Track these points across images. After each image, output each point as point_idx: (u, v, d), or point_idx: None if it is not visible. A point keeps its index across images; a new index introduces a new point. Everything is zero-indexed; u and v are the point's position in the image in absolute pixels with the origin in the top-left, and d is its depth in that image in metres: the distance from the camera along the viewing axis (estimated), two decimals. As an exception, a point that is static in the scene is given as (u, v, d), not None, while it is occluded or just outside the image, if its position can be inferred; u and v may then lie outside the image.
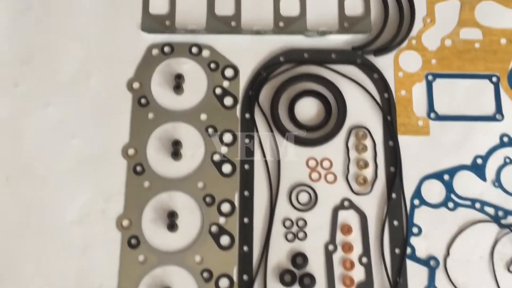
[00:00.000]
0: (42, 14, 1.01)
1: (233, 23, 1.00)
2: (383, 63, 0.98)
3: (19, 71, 0.97)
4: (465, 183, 0.93)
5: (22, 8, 1.02)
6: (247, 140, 0.94)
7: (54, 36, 1.00)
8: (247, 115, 0.95)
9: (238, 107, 0.96)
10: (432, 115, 0.97)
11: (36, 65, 0.98)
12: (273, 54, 0.98)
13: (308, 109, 0.96)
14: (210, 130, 0.94)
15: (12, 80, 0.97)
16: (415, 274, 0.88)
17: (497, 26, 1.00)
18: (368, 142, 0.95)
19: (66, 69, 0.98)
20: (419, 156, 0.94)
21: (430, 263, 0.89)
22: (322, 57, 0.98)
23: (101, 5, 1.01)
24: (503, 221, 0.91)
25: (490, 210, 0.92)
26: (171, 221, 0.88)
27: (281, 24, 1.00)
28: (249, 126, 0.94)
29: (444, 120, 0.96)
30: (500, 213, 0.92)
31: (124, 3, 1.01)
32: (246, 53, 0.98)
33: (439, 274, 0.88)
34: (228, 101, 0.96)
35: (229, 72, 0.97)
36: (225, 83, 0.96)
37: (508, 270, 0.88)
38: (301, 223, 0.90)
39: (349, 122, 0.95)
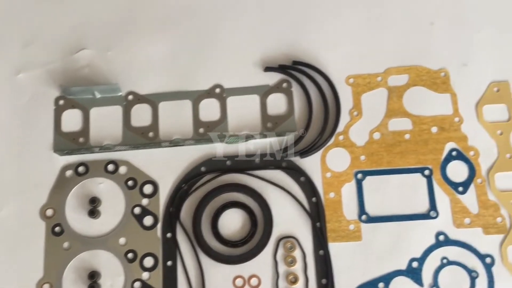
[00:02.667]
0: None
1: (150, 134, 0.97)
2: (310, 164, 0.96)
3: None
4: (402, 290, 0.93)
5: None
6: (169, 263, 0.92)
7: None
8: (169, 235, 0.93)
9: (159, 226, 0.93)
10: (364, 217, 0.94)
11: None
12: (193, 164, 0.96)
13: (232, 222, 0.93)
14: (130, 255, 0.92)
15: None
16: None
17: (427, 114, 0.98)
18: (297, 253, 0.93)
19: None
20: (352, 264, 0.91)
21: None
22: (245, 163, 0.95)
23: (12, 127, 0.98)
24: (443, 328, 0.90)
25: (429, 315, 0.91)
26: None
27: (201, 130, 0.98)
28: (171, 247, 0.92)
29: (376, 222, 0.93)
30: (440, 317, 0.91)
31: (36, 123, 0.98)
32: (165, 166, 0.96)
33: None
34: (148, 220, 0.93)
35: (148, 189, 0.95)
36: (144, 201, 0.94)
37: None
38: None
39: (276, 232, 0.92)
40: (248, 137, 0.96)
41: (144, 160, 0.96)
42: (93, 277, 0.88)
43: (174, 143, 0.97)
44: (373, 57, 1.01)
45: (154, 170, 0.96)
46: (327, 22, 1.03)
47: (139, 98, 0.99)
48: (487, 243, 0.92)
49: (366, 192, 0.95)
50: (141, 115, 0.98)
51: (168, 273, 0.90)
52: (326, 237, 0.92)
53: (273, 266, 0.92)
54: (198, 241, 0.92)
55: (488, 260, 0.92)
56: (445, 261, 0.92)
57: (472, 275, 0.91)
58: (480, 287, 0.89)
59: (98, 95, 0.99)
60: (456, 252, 0.91)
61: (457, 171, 0.95)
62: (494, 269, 0.90)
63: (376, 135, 0.98)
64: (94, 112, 0.99)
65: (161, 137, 0.97)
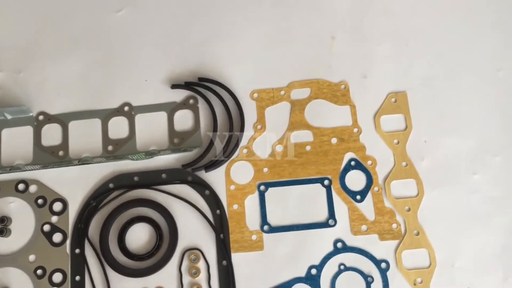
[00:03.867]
0: None
1: (60, 153, 1.01)
2: (215, 178, 1.00)
3: None
4: (301, 301, 0.97)
5: None
6: (77, 278, 0.96)
7: None
8: (77, 251, 0.96)
9: (68, 242, 0.97)
10: (266, 227, 0.98)
11: None
12: (102, 181, 1.00)
13: (139, 236, 0.97)
14: (39, 271, 0.95)
15: None
16: None
17: (328, 125, 1.02)
18: (201, 264, 0.97)
19: None
20: (254, 273, 0.96)
21: None
22: (153, 178, 1.00)
23: None
24: (338, 335, 0.95)
25: (325, 323, 0.96)
26: None
27: (110, 148, 1.02)
28: (79, 262, 0.96)
29: (277, 231, 0.98)
30: (336, 325, 0.95)
31: None
32: (75, 184, 0.99)
33: None
34: (57, 237, 0.97)
35: (57, 206, 0.98)
36: (54, 219, 0.98)
37: None
38: None
39: (182, 244, 0.97)
40: (156, 153, 1.01)
41: (55, 178, 1.00)
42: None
43: (83, 161, 1.01)
44: (277, 71, 1.06)
45: (64, 188, 0.99)
46: (232, 38, 1.07)
47: (50, 118, 1.03)
48: (383, 249, 0.96)
49: (269, 203, 0.99)
50: (51, 135, 1.02)
51: (76, 288, 0.98)
52: (229, 248, 0.97)
53: (178, 278, 0.96)
54: (105, 256, 0.96)
55: (383, 265, 0.97)
56: (342, 267, 0.97)
57: (368, 280, 0.96)
58: (376, 291, 0.98)
59: (8, 117, 1.03)
60: (353, 258, 0.96)
61: (356, 180, 1.00)
62: (389, 273, 0.95)
63: (279, 148, 1.02)
64: (5, 133, 1.02)
65: (70, 156, 1.01)
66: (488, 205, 0.98)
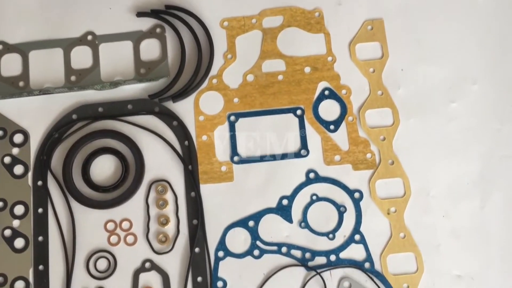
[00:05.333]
0: None
1: (21, 83, 0.97)
2: (183, 108, 0.97)
3: None
4: (271, 227, 0.93)
5: None
6: (40, 210, 0.93)
7: None
8: (40, 183, 0.94)
9: (30, 175, 0.94)
10: (236, 158, 0.96)
11: None
12: (65, 112, 0.96)
13: (104, 168, 0.95)
14: (0, 204, 0.93)
15: None
16: (221, 331, 0.91)
17: (301, 54, 0.99)
18: (169, 195, 0.95)
19: None
20: (223, 204, 0.94)
21: (235, 317, 0.91)
22: (118, 109, 0.97)
23: None
24: (310, 263, 0.91)
25: (297, 253, 0.92)
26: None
27: (73, 78, 0.98)
28: (42, 195, 0.93)
29: (248, 162, 0.95)
30: (307, 255, 0.92)
31: None
32: (37, 115, 0.96)
33: (246, 328, 0.91)
34: (18, 169, 0.94)
35: (18, 138, 0.95)
36: (15, 150, 0.95)
37: (316, 314, 0.91)
38: (100, 291, 0.92)
39: (149, 176, 0.94)
40: (121, 83, 0.97)
41: (15, 109, 0.96)
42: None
43: (45, 91, 0.97)
44: (248, -1, 1.04)
45: (25, 119, 0.96)
46: (200, -36, 1.06)
47: (9, 48, 0.98)
48: (356, 179, 0.95)
49: (239, 134, 0.97)
50: (11, 65, 0.98)
51: (38, 220, 0.92)
52: (198, 179, 0.94)
53: (145, 209, 0.93)
54: (68, 188, 0.93)
55: (356, 195, 0.95)
56: (314, 197, 0.95)
57: (341, 210, 0.94)
58: (348, 221, 0.93)
59: (-35, 47, 1.01)
60: (325, 188, 0.94)
61: (329, 110, 0.97)
62: (362, 203, 0.94)
63: (250, 77, 0.99)
64: (-37, 64, 1.01)
65: (31, 86, 0.97)
66: (465, 133, 0.96)
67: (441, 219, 0.92)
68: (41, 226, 0.92)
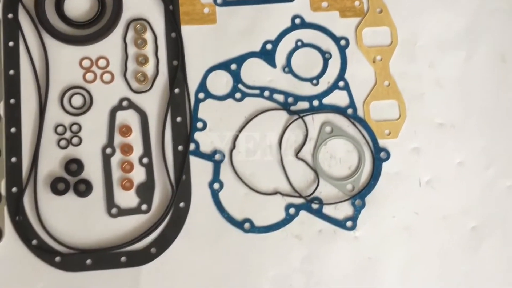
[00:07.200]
0: None
1: None
2: None
3: None
4: (254, 71, 0.91)
5: None
6: (11, 43, 0.88)
7: None
8: (10, 15, 0.89)
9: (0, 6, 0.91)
10: (219, 0, 0.93)
11: None
12: None
13: (79, 4, 0.90)
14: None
15: None
16: (200, 170, 0.88)
17: None
18: (148, 35, 0.91)
19: None
20: (204, 46, 0.91)
21: (215, 157, 0.89)
22: None
23: None
24: (292, 108, 0.90)
25: (280, 97, 0.91)
26: None
27: None
28: (12, 28, 0.89)
29: (232, 5, 0.92)
30: (290, 100, 0.91)
31: None
32: None
33: (225, 167, 0.88)
34: (-15, 1, 0.91)
35: (-14, -31, 0.92)
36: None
37: (296, 156, 0.89)
38: (75, 128, 0.87)
39: (127, 15, 0.90)
40: None
41: None
42: None
43: None
44: None
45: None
46: None
47: None
48: (343, 26, 0.92)
49: (223, -23, 0.96)
50: None
51: (9, 53, 0.86)
52: (179, 19, 0.91)
53: (123, 48, 0.90)
54: (41, 21, 0.89)
55: (342, 42, 0.93)
56: (299, 43, 0.93)
57: (326, 57, 0.92)
58: (333, 68, 0.91)
59: None
60: (311, 35, 0.92)
61: (318, -45, 0.97)
62: (348, 50, 0.92)
63: None
64: None
65: None
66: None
67: (426, 69, 0.92)
68: (11, 59, 0.87)
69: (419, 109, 0.91)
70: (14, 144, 0.86)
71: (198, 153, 0.88)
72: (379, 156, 0.89)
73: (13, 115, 0.87)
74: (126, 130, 0.88)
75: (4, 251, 0.84)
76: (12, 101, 0.87)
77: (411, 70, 0.92)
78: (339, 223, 0.87)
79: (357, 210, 0.88)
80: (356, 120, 0.90)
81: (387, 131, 0.91)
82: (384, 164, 0.89)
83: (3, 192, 0.85)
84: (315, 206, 0.87)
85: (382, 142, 0.89)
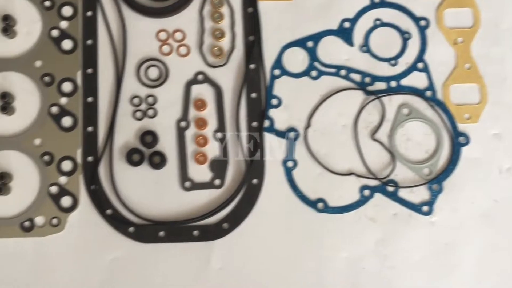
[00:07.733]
0: None
1: None
2: None
3: None
4: (331, 50, 0.89)
5: None
6: (89, 13, 0.89)
7: None
8: (89, -15, 0.92)
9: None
10: (297, -24, 0.93)
11: None
12: None
13: (157, -23, 0.93)
14: (47, 3, 0.89)
15: None
16: (274, 147, 0.87)
17: None
18: (225, 9, 0.90)
19: None
20: (281, 23, 0.90)
21: (289, 135, 0.88)
22: None
23: None
24: (369, 88, 0.89)
25: (357, 77, 0.89)
26: (4, 103, 0.85)
27: None
28: (91, -3, 0.93)
29: (310, -19, 0.93)
30: (367, 80, 0.89)
31: None
32: None
33: (299, 146, 0.87)
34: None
35: None
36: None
37: (372, 137, 0.87)
38: (151, 100, 0.87)
39: (204, -12, 0.93)
40: None
41: None
42: (4, 97, 0.83)
43: None
44: None
45: None
46: None
47: None
48: (424, 6, 0.90)
49: None
50: None
51: (87, 23, 0.87)
52: (256, -7, 0.93)
53: (199, 22, 0.90)
54: (120, -8, 0.91)
55: (422, 22, 0.90)
56: (378, 22, 0.91)
57: (405, 37, 0.90)
58: (412, 49, 0.89)
59: None
60: (390, 14, 0.90)
61: None
62: (428, 31, 0.90)
63: None
64: None
65: None
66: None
67: (510, 53, 0.89)
68: (90, 29, 0.88)
69: (501, 94, 0.88)
70: (91, 113, 0.86)
71: (272, 130, 0.87)
72: (458, 140, 0.87)
73: (90, 85, 0.87)
74: (201, 104, 0.88)
75: (79, 219, 0.85)
76: (89, 70, 0.87)
77: (494, 53, 0.89)
78: (415, 207, 0.85)
79: (434, 194, 0.86)
80: (434, 103, 0.88)
81: (466, 115, 0.89)
82: (463, 149, 0.87)
83: (79, 161, 0.86)
84: (390, 188, 0.86)
85: (461, 127, 0.87)
